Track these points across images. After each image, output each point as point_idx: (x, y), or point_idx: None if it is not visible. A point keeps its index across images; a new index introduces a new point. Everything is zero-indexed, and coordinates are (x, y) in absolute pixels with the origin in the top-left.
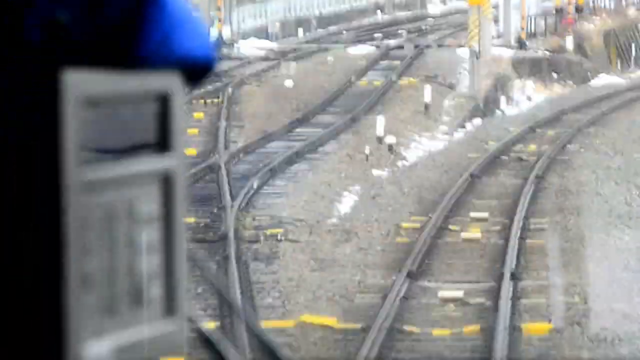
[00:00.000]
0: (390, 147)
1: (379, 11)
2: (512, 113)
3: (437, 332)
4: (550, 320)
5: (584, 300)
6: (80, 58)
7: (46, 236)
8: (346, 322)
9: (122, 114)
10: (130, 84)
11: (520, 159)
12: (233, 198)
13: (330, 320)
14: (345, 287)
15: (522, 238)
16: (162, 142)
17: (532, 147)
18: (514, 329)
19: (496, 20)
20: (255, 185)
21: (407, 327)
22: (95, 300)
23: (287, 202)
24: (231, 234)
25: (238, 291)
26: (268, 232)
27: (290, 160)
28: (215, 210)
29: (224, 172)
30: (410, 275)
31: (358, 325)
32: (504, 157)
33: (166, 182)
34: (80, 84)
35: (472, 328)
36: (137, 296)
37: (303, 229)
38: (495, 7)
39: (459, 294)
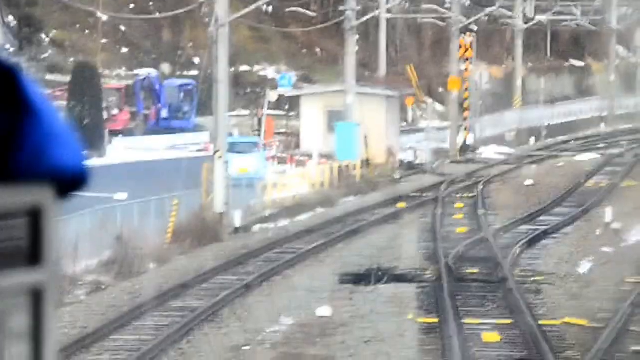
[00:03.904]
0: (616, 232)
1: (602, 123)
2: None
3: None
4: None
5: None
6: None
7: None
8: (593, 322)
9: None
10: (2, 198)
11: None
12: (504, 258)
13: (583, 321)
14: (589, 310)
15: None
16: (33, 256)
17: None
18: None
19: None
20: (517, 252)
21: None
22: None
23: (542, 263)
24: (509, 277)
25: (522, 304)
26: (532, 278)
27: (539, 238)
28: (491, 266)
29: (493, 243)
30: (632, 305)
31: (601, 325)
32: None
33: (36, 296)
34: None
35: None
36: None
37: (555, 278)
38: None
39: None
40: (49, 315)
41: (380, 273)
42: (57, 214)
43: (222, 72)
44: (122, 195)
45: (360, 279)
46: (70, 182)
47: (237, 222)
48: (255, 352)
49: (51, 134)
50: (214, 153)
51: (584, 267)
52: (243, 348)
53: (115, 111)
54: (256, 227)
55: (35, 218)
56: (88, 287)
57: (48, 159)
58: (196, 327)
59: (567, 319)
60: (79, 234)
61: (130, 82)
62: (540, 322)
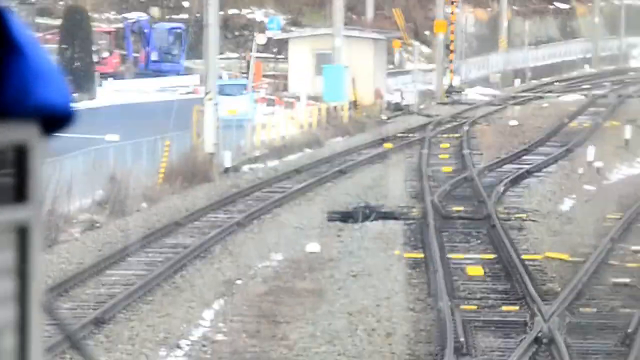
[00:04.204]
0: (598, 170)
1: (586, 65)
2: None
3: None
4: None
5: None
6: None
7: None
8: (574, 256)
9: None
10: None
11: None
12: (488, 196)
13: (564, 256)
14: (570, 245)
15: None
16: (19, 193)
17: None
18: None
19: None
20: (501, 190)
21: None
22: None
23: (525, 201)
24: (493, 215)
25: (507, 242)
26: (515, 215)
27: (523, 176)
28: (476, 204)
29: (477, 181)
30: (612, 240)
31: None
32: None
33: (22, 233)
34: None
35: None
36: None
37: (538, 215)
38: None
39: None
40: (35, 252)
41: (367, 211)
42: (44, 152)
43: (213, 15)
44: (113, 137)
45: (348, 216)
46: (56, 120)
47: (227, 163)
48: (247, 286)
49: (38, 73)
50: (205, 95)
51: (566, 204)
52: (235, 282)
53: (105, 54)
54: (246, 167)
55: (21, 155)
56: (82, 225)
57: (34, 97)
58: (189, 262)
59: (548, 254)
60: (72, 174)
61: (120, 25)
62: (522, 257)
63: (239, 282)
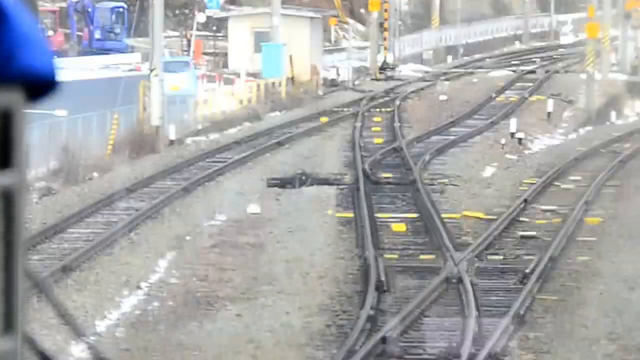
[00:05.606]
0: (520, 140)
1: (517, 41)
2: (619, 124)
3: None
4: None
5: None
6: None
7: None
8: (488, 215)
9: None
10: None
11: (615, 152)
12: (415, 164)
13: (480, 214)
14: (486, 205)
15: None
16: (4, 159)
17: (627, 145)
18: None
19: (615, 51)
20: (427, 158)
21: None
22: None
23: (449, 168)
24: (418, 180)
25: (428, 202)
26: (439, 181)
27: (448, 146)
28: (403, 171)
29: (405, 151)
30: (525, 201)
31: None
32: (602, 150)
33: (6, 199)
34: None
35: None
36: None
37: (460, 181)
38: (615, 39)
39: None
40: (19, 216)
41: (304, 177)
42: (28, 118)
43: None
44: (62, 112)
45: (286, 182)
46: (40, 85)
47: (172, 135)
48: (195, 240)
49: (23, 39)
50: (150, 71)
51: (487, 171)
52: (185, 237)
53: (49, 33)
54: (189, 140)
55: (5, 121)
56: (40, 192)
57: (19, 62)
58: (142, 222)
59: (465, 212)
60: (28, 145)
61: (63, 4)
62: (442, 215)
63: (188, 237)
